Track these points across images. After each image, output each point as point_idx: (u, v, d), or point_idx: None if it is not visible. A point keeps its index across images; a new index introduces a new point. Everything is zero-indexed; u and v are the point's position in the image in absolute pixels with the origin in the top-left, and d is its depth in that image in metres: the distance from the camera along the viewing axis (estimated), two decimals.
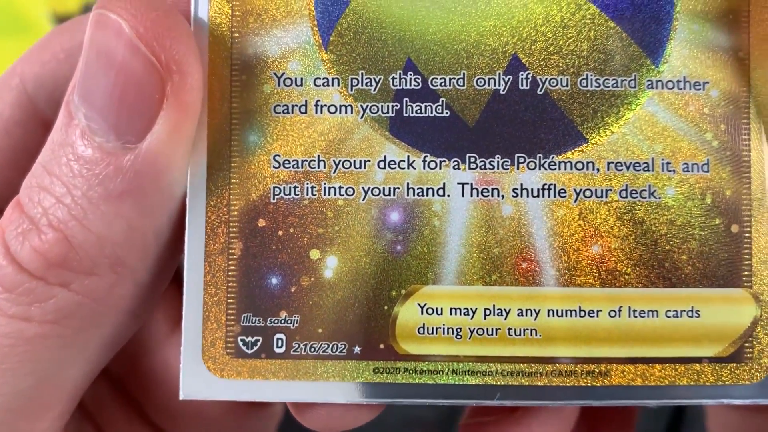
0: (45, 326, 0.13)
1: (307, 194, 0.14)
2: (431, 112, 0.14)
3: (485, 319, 0.13)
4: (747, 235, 0.14)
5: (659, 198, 0.14)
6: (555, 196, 0.13)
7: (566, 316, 0.13)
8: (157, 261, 0.14)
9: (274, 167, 0.14)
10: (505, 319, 0.13)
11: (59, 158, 0.13)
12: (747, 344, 0.13)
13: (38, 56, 0.16)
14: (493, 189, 0.13)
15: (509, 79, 0.13)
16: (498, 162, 0.14)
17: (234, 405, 0.18)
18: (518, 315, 0.13)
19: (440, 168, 0.14)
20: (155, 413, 0.18)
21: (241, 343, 0.14)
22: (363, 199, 0.14)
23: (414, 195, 0.14)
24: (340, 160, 0.14)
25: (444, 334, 0.13)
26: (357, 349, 0.13)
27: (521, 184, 0.13)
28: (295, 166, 0.14)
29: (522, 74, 0.13)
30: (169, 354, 0.18)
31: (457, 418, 0.35)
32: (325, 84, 0.14)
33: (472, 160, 0.14)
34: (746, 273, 0.14)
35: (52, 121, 0.15)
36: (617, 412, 0.19)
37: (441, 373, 0.13)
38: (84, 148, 0.13)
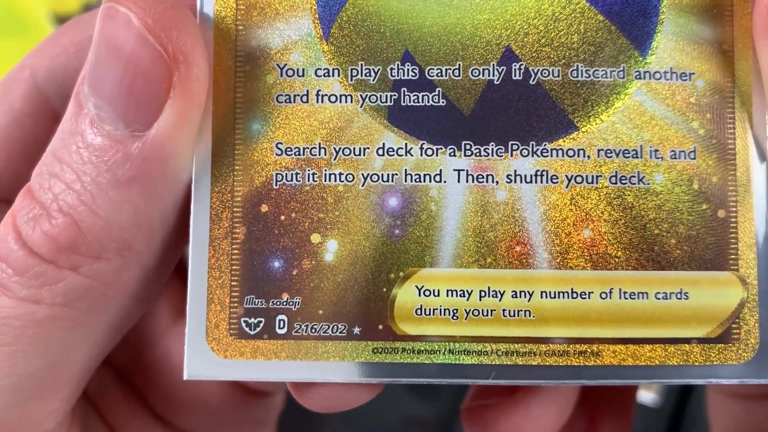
0: (55, 308, 0.14)
1: (309, 180, 0.14)
2: (428, 102, 0.14)
3: (480, 300, 0.14)
4: (733, 219, 0.14)
5: (648, 184, 0.14)
6: (547, 182, 0.14)
7: (559, 297, 0.14)
8: (163, 246, 0.14)
9: (276, 154, 0.14)
10: (500, 300, 0.14)
11: (69, 146, 0.14)
12: (734, 325, 0.14)
13: (49, 50, 0.17)
14: (487, 175, 0.14)
15: (503, 69, 0.14)
16: (492, 149, 0.14)
17: (236, 395, 0.19)
18: (512, 296, 0.14)
19: (437, 155, 0.14)
20: (158, 403, 0.18)
21: (244, 325, 0.14)
22: (362, 185, 0.14)
23: (412, 181, 0.14)
24: (340, 148, 0.14)
25: (441, 315, 0.14)
26: (356, 330, 0.14)
27: (515, 171, 0.14)
28: (297, 153, 0.14)
29: (515, 65, 0.14)
30: (172, 345, 0.18)
31: (457, 418, 0.35)
32: (326, 74, 0.14)
33: (468, 147, 0.14)
34: (733, 256, 0.14)
35: (61, 114, 0.16)
36: (616, 397, 0.19)
37: (438, 352, 0.14)
38: (93, 136, 0.13)
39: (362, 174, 0.14)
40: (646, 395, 0.34)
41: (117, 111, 0.13)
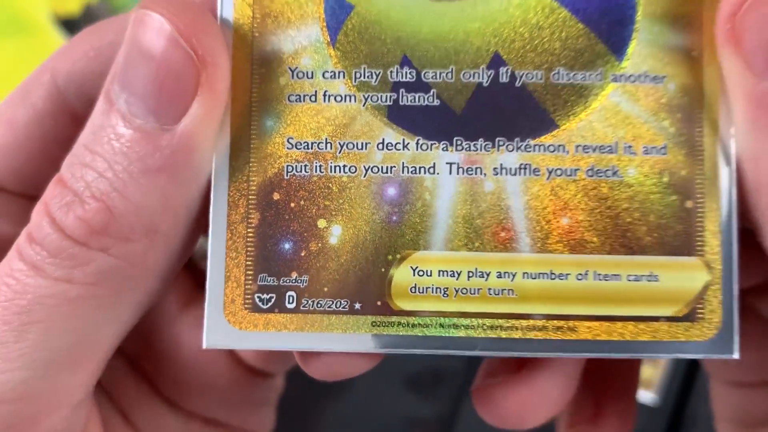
0: (86, 287, 0.15)
1: (316, 171, 0.17)
2: (424, 102, 0.16)
3: (468, 280, 0.16)
4: (700, 209, 0.16)
5: (621, 177, 0.16)
6: (530, 175, 0.16)
7: (539, 278, 0.16)
8: (185, 230, 0.16)
9: (287, 148, 0.17)
10: (486, 280, 0.16)
11: (101, 138, 0.15)
12: (699, 306, 0.16)
13: (69, 54, 0.18)
14: (476, 168, 0.16)
15: (491, 73, 0.16)
16: (481, 144, 0.16)
17: (241, 376, 0.21)
18: (497, 277, 0.16)
19: (431, 150, 0.16)
20: (167, 387, 0.20)
21: (257, 300, 0.16)
22: (364, 176, 0.16)
23: (408, 173, 0.16)
24: (344, 143, 0.17)
25: (433, 292, 0.16)
26: (357, 306, 0.16)
27: (501, 164, 0.16)
28: (306, 147, 0.17)
29: (502, 69, 0.16)
30: (180, 332, 0.20)
31: (457, 418, 0.37)
32: (332, 77, 0.17)
33: (459, 142, 0.16)
34: (699, 243, 0.16)
35: (80, 114, 0.17)
36: (619, 381, 0.21)
37: (429, 326, 0.16)
38: (125, 129, 0.15)
39: (364, 166, 0.17)
40: (646, 395, 0.36)
41: (148, 106, 0.15)
